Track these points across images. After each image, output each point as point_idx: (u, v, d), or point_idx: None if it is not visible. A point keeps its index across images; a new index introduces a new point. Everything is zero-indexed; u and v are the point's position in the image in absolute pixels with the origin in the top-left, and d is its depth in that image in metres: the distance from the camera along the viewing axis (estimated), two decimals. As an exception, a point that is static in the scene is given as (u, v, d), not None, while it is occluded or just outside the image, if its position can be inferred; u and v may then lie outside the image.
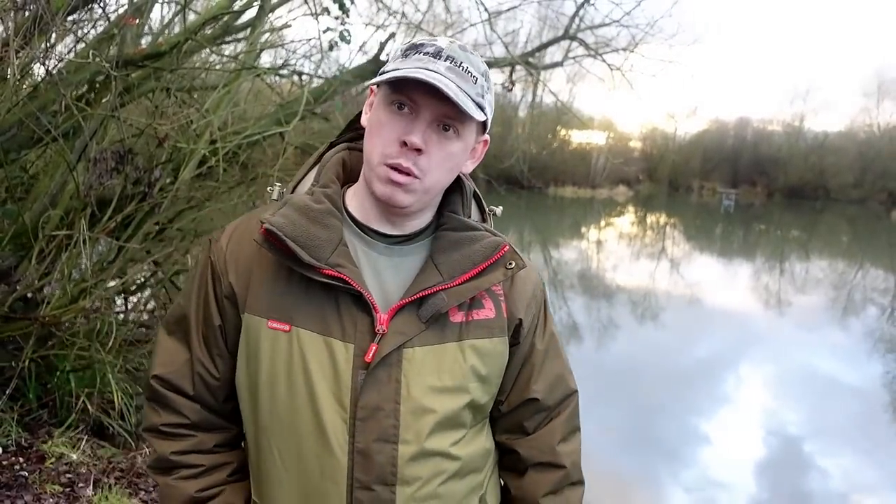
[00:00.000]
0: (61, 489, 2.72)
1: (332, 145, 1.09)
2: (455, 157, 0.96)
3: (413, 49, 0.94)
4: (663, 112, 40.53)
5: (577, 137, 36.33)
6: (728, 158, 40.90)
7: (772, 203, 37.28)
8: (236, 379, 1.01)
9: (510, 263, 1.00)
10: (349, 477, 0.93)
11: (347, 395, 0.93)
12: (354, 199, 1.02)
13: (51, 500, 2.63)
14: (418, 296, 0.95)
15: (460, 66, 0.92)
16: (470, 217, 1.05)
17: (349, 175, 1.06)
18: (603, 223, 25.24)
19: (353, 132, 1.09)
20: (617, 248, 17.96)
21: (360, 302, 0.94)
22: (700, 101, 41.44)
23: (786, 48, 67.21)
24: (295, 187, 1.05)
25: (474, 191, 1.07)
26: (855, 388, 6.71)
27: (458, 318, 0.98)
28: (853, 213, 32.32)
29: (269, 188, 1.06)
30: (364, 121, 1.00)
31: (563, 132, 33.65)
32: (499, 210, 1.10)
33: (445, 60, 0.91)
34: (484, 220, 1.08)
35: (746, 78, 66.16)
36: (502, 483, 1.14)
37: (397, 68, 0.91)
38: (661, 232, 23.27)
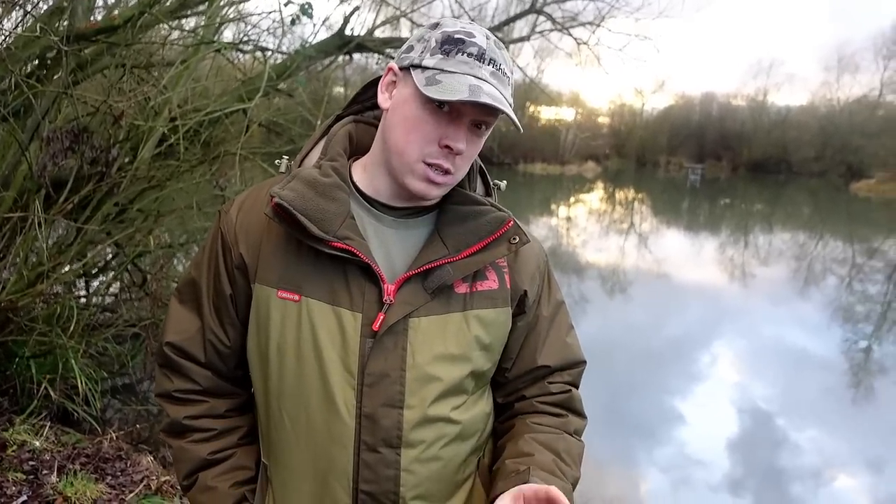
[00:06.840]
0: (24, 477, 2.66)
1: (338, 118, 1.10)
2: (480, 148, 1.00)
3: (453, 46, 0.93)
4: (631, 87, 40.91)
5: (546, 113, 36.49)
6: (694, 134, 41.51)
7: (736, 177, 37.96)
8: (247, 347, 1.04)
9: (514, 238, 1.02)
10: (356, 440, 0.96)
11: (355, 363, 0.96)
12: (364, 174, 1.03)
13: (13, 487, 2.57)
14: (424, 268, 0.97)
15: (499, 68, 0.94)
16: (475, 191, 1.06)
17: (355, 148, 1.08)
18: (573, 199, 25.43)
19: (359, 104, 1.10)
20: (587, 224, 18.13)
21: (368, 273, 0.97)
22: (667, 75, 41.59)
23: (750, 22, 68.02)
24: (302, 160, 1.06)
25: (480, 166, 1.08)
26: (818, 357, 6.92)
27: (462, 289, 1.01)
28: (814, 185, 33.09)
29: (276, 161, 1.08)
30: (383, 101, 0.99)
31: (531, 108, 33.66)
32: (503, 184, 1.12)
33: (489, 64, 0.93)
34: (489, 194, 1.09)
35: (712, 52, 66.85)
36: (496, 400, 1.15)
37: (442, 70, 0.91)
38: (629, 207, 23.54)
